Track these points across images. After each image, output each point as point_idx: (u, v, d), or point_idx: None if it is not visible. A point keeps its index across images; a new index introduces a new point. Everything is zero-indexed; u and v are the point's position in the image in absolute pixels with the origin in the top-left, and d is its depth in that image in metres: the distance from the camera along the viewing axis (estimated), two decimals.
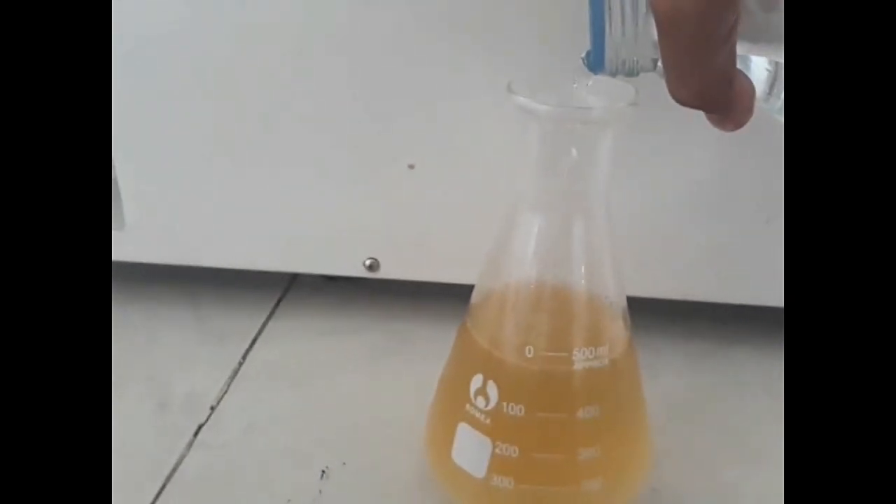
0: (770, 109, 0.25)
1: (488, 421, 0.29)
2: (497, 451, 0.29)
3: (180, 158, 0.39)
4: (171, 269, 0.43)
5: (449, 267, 0.40)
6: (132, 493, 0.33)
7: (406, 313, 0.45)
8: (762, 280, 0.39)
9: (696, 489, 0.34)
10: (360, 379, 0.40)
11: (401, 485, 0.34)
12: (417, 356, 0.41)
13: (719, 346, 0.43)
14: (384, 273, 0.41)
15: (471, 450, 0.29)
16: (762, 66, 0.24)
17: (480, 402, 0.29)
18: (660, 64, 0.23)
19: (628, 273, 0.30)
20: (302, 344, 0.43)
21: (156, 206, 0.41)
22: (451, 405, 0.31)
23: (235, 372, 0.41)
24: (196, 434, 0.36)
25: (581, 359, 0.28)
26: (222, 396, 0.39)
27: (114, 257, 0.40)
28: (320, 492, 0.33)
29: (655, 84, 0.23)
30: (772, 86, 0.24)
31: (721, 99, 0.22)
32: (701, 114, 0.23)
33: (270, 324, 0.45)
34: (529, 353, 0.28)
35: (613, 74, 0.24)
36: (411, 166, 0.38)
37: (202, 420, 0.37)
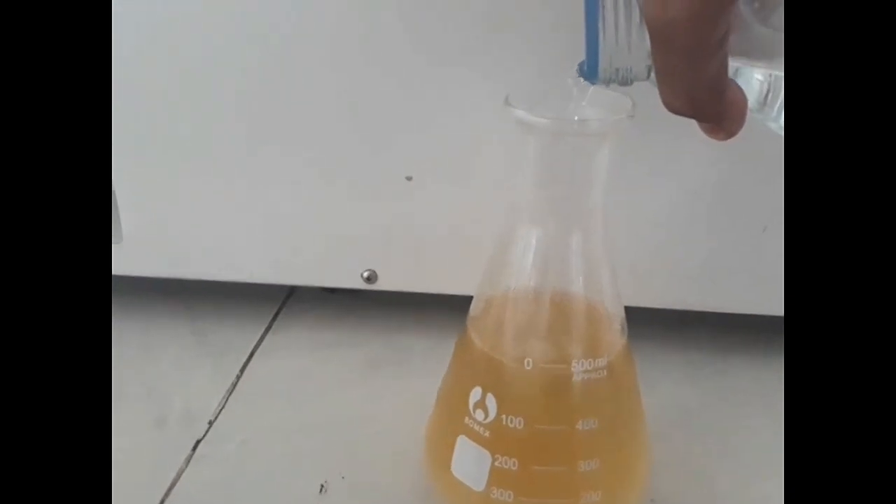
0: (764, 119, 0.25)
1: (487, 434, 0.29)
2: (496, 463, 0.29)
3: (177, 172, 0.39)
4: (169, 283, 0.43)
5: (447, 278, 0.40)
6: None
7: (404, 325, 0.44)
8: (759, 289, 0.39)
9: (695, 500, 0.34)
10: (358, 391, 0.40)
11: (400, 498, 0.33)
12: (416, 368, 0.41)
13: (717, 355, 0.43)
14: (382, 285, 0.41)
15: (470, 463, 0.29)
16: (755, 77, 0.24)
17: (479, 414, 0.29)
18: (653, 72, 0.23)
19: (626, 283, 0.30)
20: (300, 357, 0.43)
21: (153, 220, 0.40)
22: (449, 418, 0.31)
23: (234, 386, 0.40)
24: (194, 449, 0.36)
25: (580, 370, 0.28)
26: (220, 411, 0.39)
27: None
28: None
29: (651, 95, 0.23)
30: (766, 96, 0.24)
31: (713, 108, 0.23)
32: (696, 124, 0.24)
33: (268, 337, 0.44)
34: (528, 365, 0.28)
35: (607, 83, 0.24)
36: (409, 178, 0.38)
37: (200, 435, 0.37)
